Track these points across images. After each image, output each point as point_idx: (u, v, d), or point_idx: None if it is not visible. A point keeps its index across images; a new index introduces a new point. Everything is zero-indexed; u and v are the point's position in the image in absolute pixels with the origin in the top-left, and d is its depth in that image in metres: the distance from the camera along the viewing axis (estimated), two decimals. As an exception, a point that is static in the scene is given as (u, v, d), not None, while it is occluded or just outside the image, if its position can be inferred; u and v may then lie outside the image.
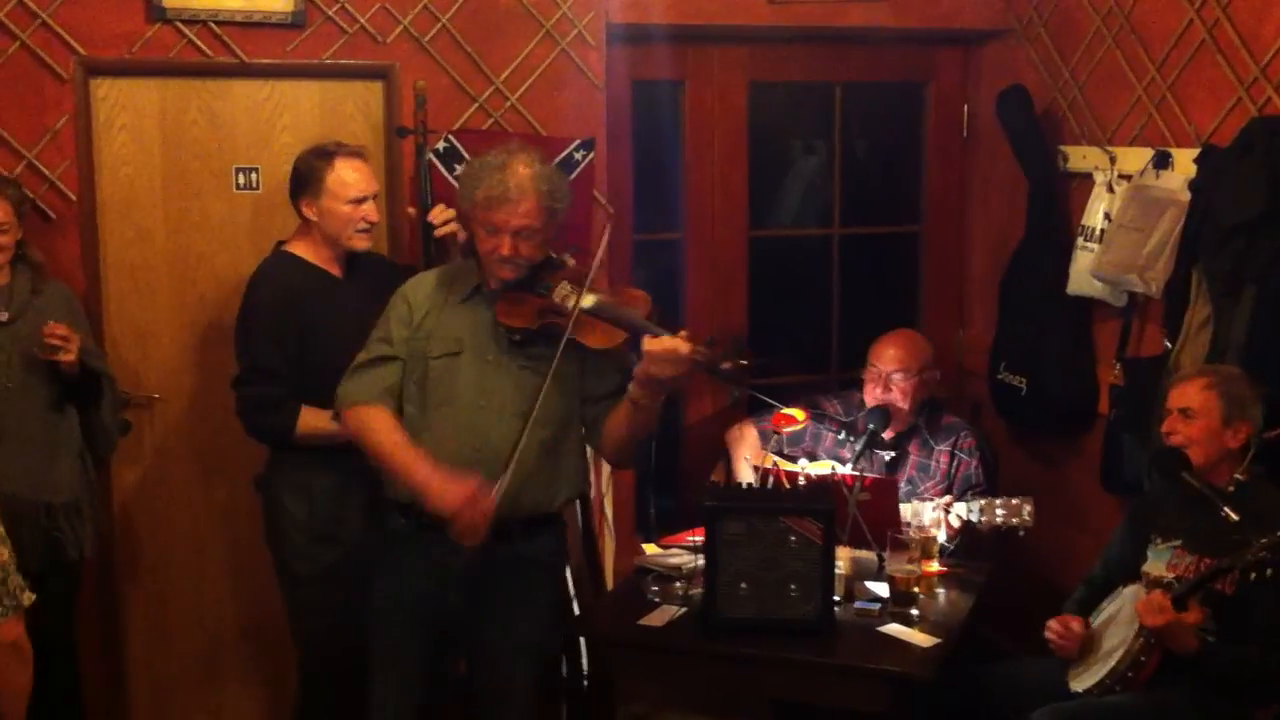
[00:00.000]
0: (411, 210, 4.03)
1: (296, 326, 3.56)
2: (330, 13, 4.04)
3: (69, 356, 3.52)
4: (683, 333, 2.92)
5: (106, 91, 3.97)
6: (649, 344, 2.90)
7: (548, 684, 3.88)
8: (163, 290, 4.10)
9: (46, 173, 3.87)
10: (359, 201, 3.59)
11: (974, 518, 3.88)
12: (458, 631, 3.20)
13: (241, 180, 4.12)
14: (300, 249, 3.66)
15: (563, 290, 3.10)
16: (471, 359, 3.10)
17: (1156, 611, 3.12)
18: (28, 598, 2.73)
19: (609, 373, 3.14)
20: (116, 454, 4.00)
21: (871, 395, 4.15)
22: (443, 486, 2.96)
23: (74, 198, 3.90)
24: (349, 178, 3.59)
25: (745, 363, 2.95)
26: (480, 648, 3.21)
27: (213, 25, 3.95)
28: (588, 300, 3.03)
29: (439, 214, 3.74)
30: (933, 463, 4.14)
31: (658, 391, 2.96)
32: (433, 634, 3.19)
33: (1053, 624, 3.40)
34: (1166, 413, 3.40)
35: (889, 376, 4.12)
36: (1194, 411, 3.33)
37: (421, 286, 3.20)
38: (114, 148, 4.00)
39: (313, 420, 3.53)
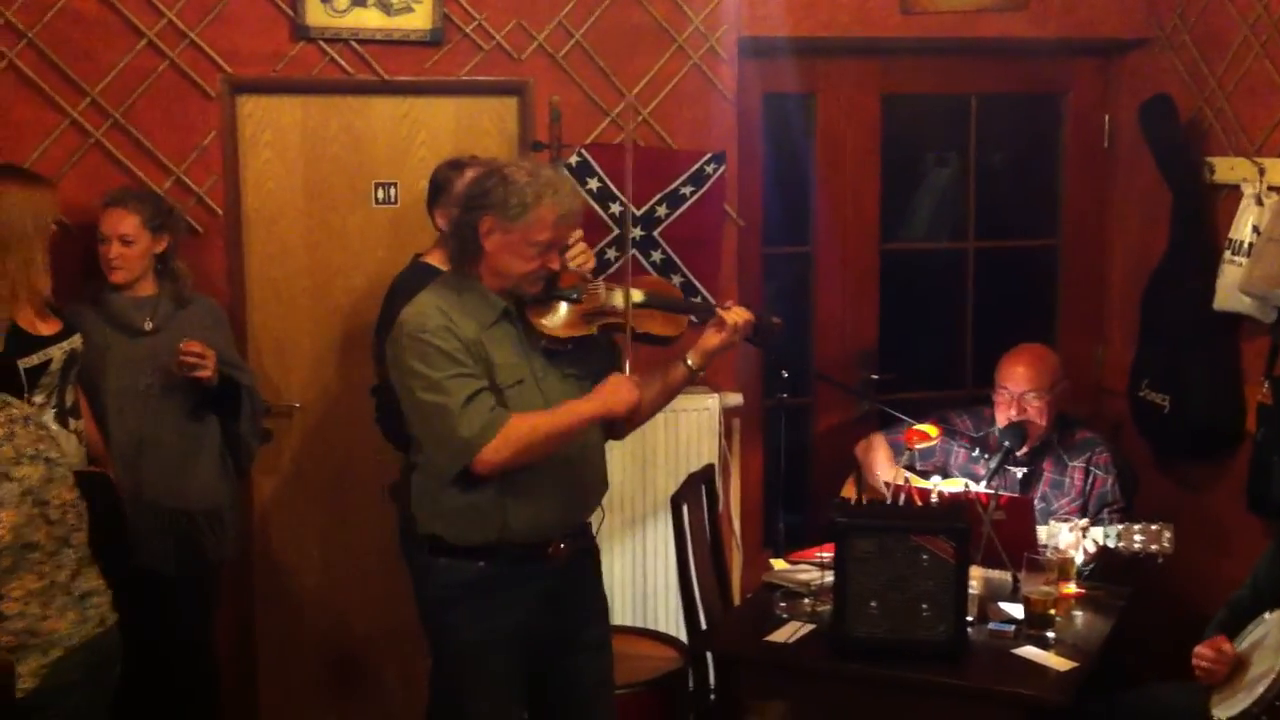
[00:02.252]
0: None
1: None
2: (467, 30, 4.11)
3: (206, 373, 3.62)
4: (729, 302, 3.23)
5: (251, 109, 4.09)
6: (732, 317, 3.13)
7: (675, 699, 3.89)
8: (303, 302, 4.20)
9: (194, 188, 3.99)
10: None
11: (1111, 543, 3.78)
12: (551, 651, 3.15)
13: (380, 195, 4.20)
14: (436, 260, 3.71)
15: (598, 291, 3.13)
16: (531, 382, 3.03)
17: None
18: None
19: (608, 359, 3.19)
20: (257, 462, 4.10)
21: (1005, 418, 4.07)
22: (613, 395, 3.01)
23: (220, 212, 4.03)
24: None
25: (778, 320, 3.31)
26: (578, 650, 3.20)
27: (354, 44, 4.05)
28: (638, 295, 3.12)
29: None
30: (1067, 479, 4.05)
31: (713, 359, 3.20)
32: (529, 665, 3.13)
33: (1203, 650, 3.27)
34: None
35: (1022, 397, 4.04)
36: None
37: (450, 315, 2.98)
38: (258, 163, 4.11)
39: None
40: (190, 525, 3.71)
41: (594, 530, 3.25)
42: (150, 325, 3.69)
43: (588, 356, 3.12)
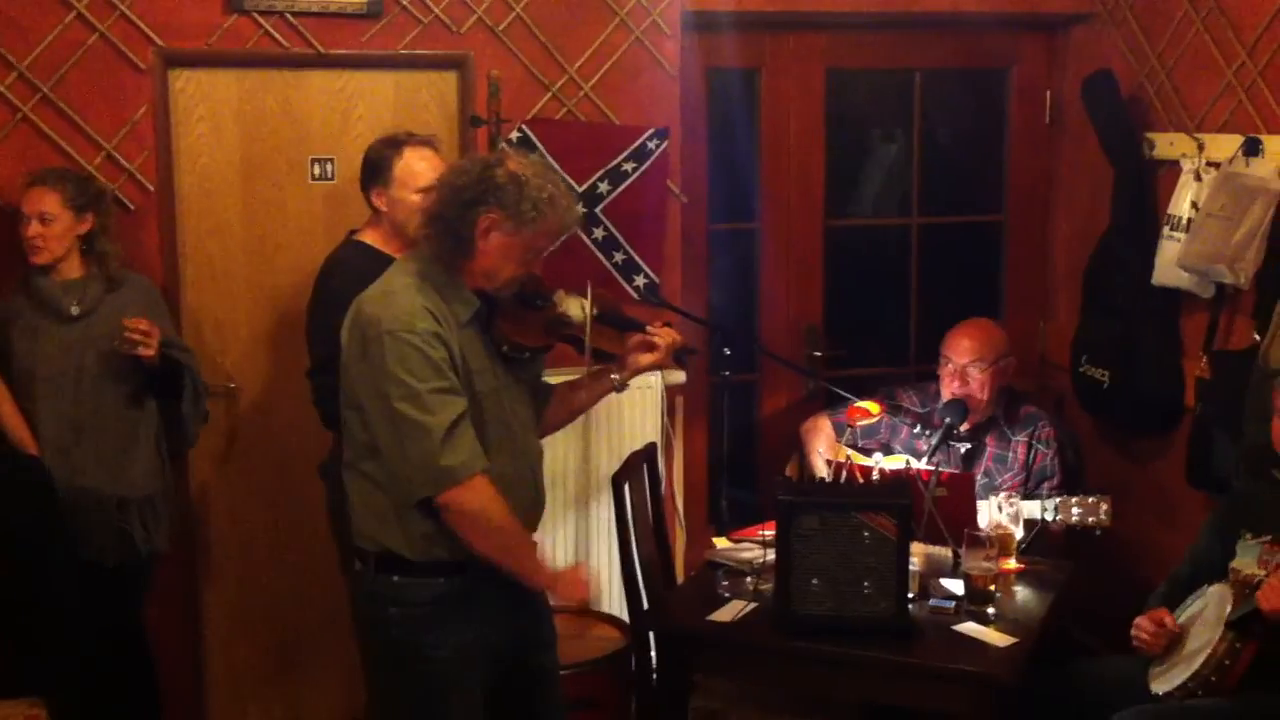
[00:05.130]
0: None
1: None
2: (405, 3, 4.05)
3: (148, 351, 3.55)
4: (658, 323, 3.13)
5: (184, 83, 4.01)
6: (666, 336, 3.09)
7: (618, 679, 3.88)
8: (240, 280, 4.14)
9: (125, 164, 3.91)
10: (426, 191, 3.58)
11: (1049, 516, 3.81)
12: (512, 655, 3.06)
13: (317, 171, 4.14)
14: (371, 238, 3.67)
15: (563, 301, 3.02)
16: (498, 385, 2.90)
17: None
18: None
19: (540, 366, 3.14)
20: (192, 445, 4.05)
21: (949, 390, 4.08)
22: (567, 589, 2.96)
23: (152, 189, 3.95)
24: (417, 167, 3.59)
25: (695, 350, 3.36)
26: (537, 648, 3.16)
27: (289, 16, 3.98)
28: (594, 309, 3.02)
29: None
30: (1010, 454, 4.07)
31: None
32: (494, 674, 3.02)
33: (1143, 622, 3.30)
34: None
35: (965, 369, 4.05)
36: None
37: (432, 317, 2.79)
38: (192, 139, 4.04)
39: None
40: (121, 513, 3.65)
41: None
42: (78, 310, 3.62)
43: (534, 364, 3.06)
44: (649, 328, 3.10)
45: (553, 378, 3.21)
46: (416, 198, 3.57)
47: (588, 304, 3.00)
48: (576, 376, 3.14)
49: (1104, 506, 3.75)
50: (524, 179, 2.80)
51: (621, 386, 3.12)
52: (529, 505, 3.01)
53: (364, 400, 2.81)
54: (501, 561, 2.86)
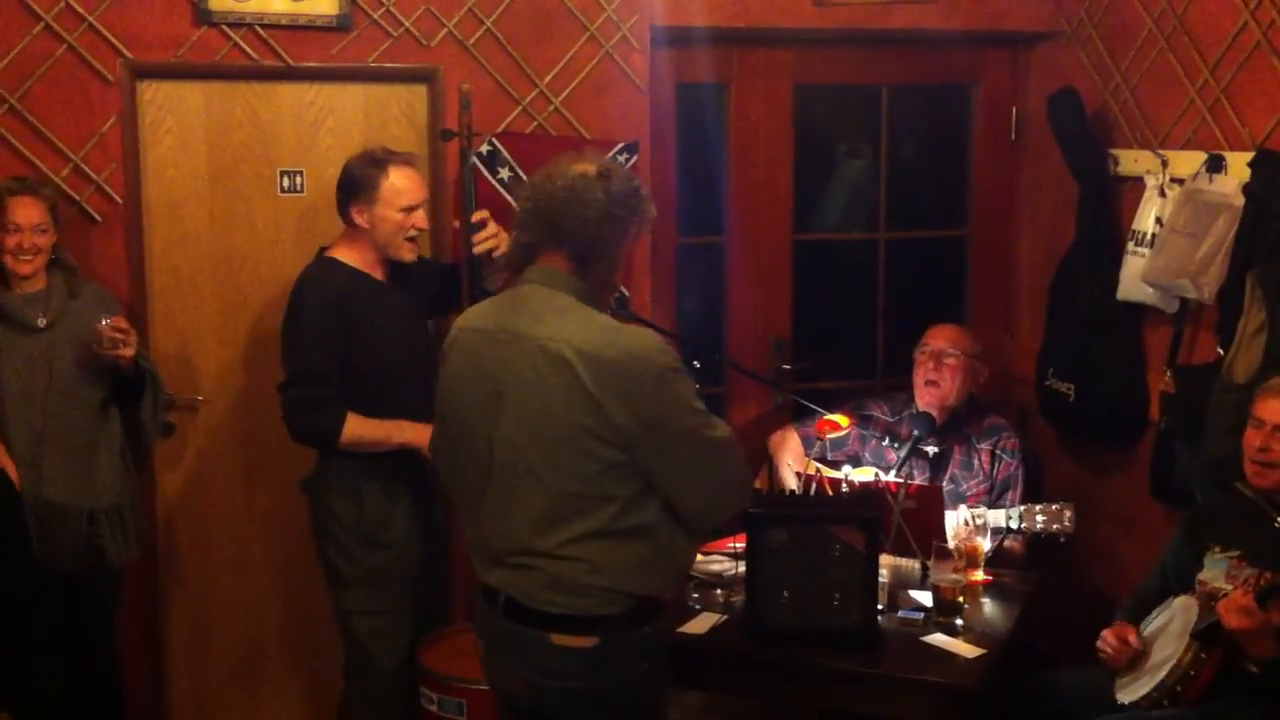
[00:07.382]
0: (455, 223, 4.00)
1: (343, 331, 3.56)
2: (375, 16, 4.05)
3: (129, 351, 3.54)
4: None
5: (153, 94, 3.99)
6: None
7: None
8: (207, 293, 4.12)
9: (93, 175, 3.89)
10: (410, 209, 3.60)
11: (1014, 524, 3.85)
12: None
13: (286, 183, 4.13)
14: (343, 254, 3.66)
15: None
16: None
17: (1240, 613, 3.00)
18: None
19: None
20: (160, 456, 4.04)
21: (921, 376, 4.15)
22: None
23: (119, 200, 3.93)
24: (402, 185, 3.59)
25: None
26: None
27: (258, 28, 3.97)
28: None
29: (481, 215, 3.74)
30: (975, 461, 4.11)
31: None
32: None
33: (1108, 635, 3.33)
34: (1256, 424, 3.27)
35: (941, 354, 4.13)
36: None
37: None
38: (160, 150, 4.02)
39: (358, 428, 3.53)
40: (91, 525, 3.62)
41: None
42: (44, 321, 3.59)
43: None
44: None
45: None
46: (400, 215, 3.59)
47: None
48: None
49: (1067, 513, 3.79)
50: (635, 181, 2.74)
51: None
52: None
53: (644, 445, 2.60)
54: None
